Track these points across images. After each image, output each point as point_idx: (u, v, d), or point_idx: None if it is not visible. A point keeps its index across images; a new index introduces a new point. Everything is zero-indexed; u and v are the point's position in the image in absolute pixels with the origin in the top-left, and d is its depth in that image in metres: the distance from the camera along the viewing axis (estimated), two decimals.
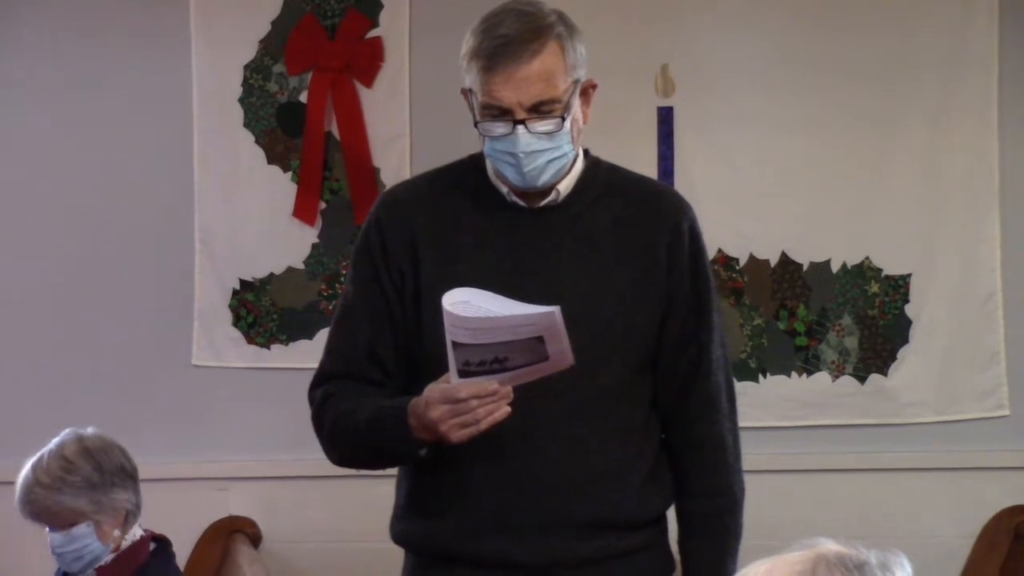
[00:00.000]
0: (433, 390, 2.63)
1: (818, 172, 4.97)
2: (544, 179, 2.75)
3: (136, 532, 3.42)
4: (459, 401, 2.58)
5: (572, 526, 2.77)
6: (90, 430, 3.43)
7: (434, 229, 2.82)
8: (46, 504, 3.32)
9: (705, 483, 2.90)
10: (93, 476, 3.32)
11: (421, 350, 2.80)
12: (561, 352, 2.53)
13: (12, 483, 3.40)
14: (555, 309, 2.50)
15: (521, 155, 2.70)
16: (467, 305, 2.53)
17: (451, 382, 2.60)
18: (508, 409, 2.60)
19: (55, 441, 3.39)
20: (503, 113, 2.68)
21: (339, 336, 2.89)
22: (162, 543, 3.48)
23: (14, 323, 5.06)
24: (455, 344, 2.54)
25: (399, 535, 2.92)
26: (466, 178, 2.87)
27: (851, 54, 4.96)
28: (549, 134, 2.70)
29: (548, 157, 2.72)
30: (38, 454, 3.38)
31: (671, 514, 2.94)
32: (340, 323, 2.90)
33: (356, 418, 2.77)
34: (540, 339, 2.51)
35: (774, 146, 4.98)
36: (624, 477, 2.81)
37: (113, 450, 3.39)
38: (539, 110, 2.68)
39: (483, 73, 2.67)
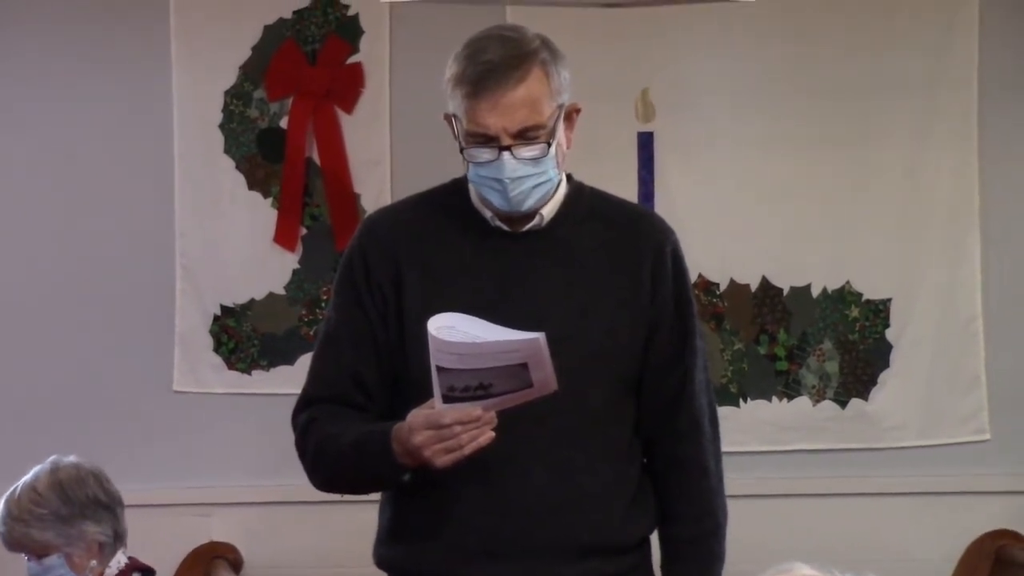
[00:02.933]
0: (417, 416, 2.63)
1: (798, 196, 4.98)
2: (529, 204, 2.75)
3: (120, 560, 3.40)
4: (443, 427, 2.58)
5: (558, 550, 2.76)
6: (70, 459, 3.40)
7: (417, 254, 2.82)
8: (15, 536, 3.33)
9: (688, 507, 2.89)
10: (61, 510, 3.31)
11: (405, 374, 2.80)
12: (545, 378, 2.53)
13: None
14: (539, 336, 2.50)
15: (507, 181, 2.70)
16: (452, 330, 2.53)
17: (435, 407, 2.60)
18: (492, 434, 2.60)
19: (33, 471, 3.38)
20: (488, 140, 2.68)
21: (322, 360, 2.89)
22: (147, 573, 3.46)
23: None
24: (440, 369, 2.54)
25: (382, 560, 2.91)
26: (449, 203, 2.87)
27: (830, 77, 4.97)
28: (535, 159, 2.70)
29: (533, 182, 2.72)
30: (14, 485, 3.37)
31: (654, 538, 2.94)
32: (323, 348, 2.89)
33: (340, 442, 2.77)
34: (524, 366, 2.51)
35: (754, 171, 4.98)
36: (610, 500, 2.81)
37: (86, 482, 3.36)
38: (524, 136, 2.68)
39: (468, 100, 2.67)
